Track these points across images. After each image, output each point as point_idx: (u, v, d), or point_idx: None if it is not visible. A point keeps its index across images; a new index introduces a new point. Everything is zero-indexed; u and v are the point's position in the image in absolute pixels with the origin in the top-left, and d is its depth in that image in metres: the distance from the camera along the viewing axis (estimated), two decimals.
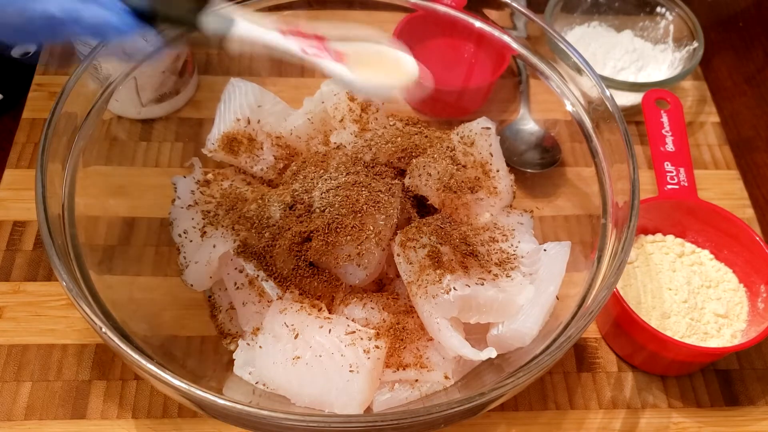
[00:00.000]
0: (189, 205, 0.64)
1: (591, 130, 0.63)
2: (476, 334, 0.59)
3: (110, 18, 0.40)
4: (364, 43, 0.49)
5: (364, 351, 0.54)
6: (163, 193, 0.66)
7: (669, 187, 0.69)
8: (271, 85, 0.73)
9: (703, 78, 0.89)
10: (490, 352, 0.56)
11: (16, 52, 0.84)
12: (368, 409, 0.55)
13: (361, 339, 0.55)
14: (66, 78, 0.58)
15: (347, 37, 0.49)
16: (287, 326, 0.56)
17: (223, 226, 0.61)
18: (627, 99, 0.80)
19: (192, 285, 0.62)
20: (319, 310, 0.57)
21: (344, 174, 0.62)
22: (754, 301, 0.65)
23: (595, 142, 0.63)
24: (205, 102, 0.79)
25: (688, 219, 0.69)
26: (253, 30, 0.45)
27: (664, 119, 0.73)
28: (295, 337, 0.55)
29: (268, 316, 0.57)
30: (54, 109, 0.55)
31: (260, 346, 0.56)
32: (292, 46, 0.46)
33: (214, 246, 0.60)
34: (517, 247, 0.62)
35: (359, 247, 0.59)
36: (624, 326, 0.63)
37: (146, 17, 0.42)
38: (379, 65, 0.49)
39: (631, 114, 0.83)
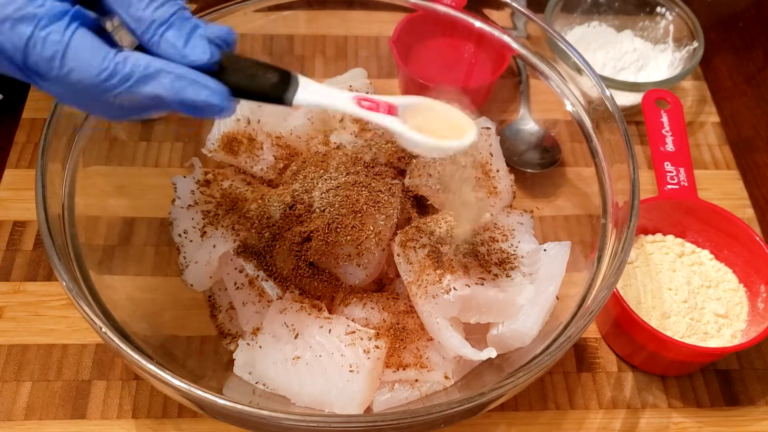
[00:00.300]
0: (189, 205, 0.64)
1: (591, 130, 0.63)
2: (476, 334, 0.59)
3: (214, 100, 0.41)
4: (420, 99, 0.48)
5: (364, 351, 0.54)
6: (163, 193, 0.66)
7: (669, 187, 0.69)
8: None
9: (703, 78, 0.89)
10: (490, 352, 0.56)
11: None
12: (368, 409, 0.55)
13: (361, 339, 0.55)
14: None
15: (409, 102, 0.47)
16: (287, 326, 0.56)
17: (223, 226, 0.61)
18: (627, 99, 0.80)
19: (192, 285, 0.62)
20: (319, 310, 0.57)
21: (344, 174, 0.62)
22: (754, 301, 0.65)
23: (595, 142, 0.63)
24: None
25: (688, 219, 0.69)
26: (317, 91, 0.45)
27: (664, 119, 0.73)
28: (295, 337, 0.55)
29: (268, 316, 0.57)
30: (54, 109, 0.55)
31: (260, 346, 0.56)
32: (345, 102, 0.45)
33: (214, 246, 0.60)
34: (517, 247, 0.62)
35: (359, 247, 0.59)
36: (624, 326, 0.63)
37: (239, 94, 0.43)
38: (436, 124, 0.47)
39: (631, 114, 0.83)
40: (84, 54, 0.39)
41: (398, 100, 0.47)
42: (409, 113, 0.47)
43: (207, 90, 0.41)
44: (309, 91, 0.44)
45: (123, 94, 0.40)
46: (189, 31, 0.41)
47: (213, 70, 0.42)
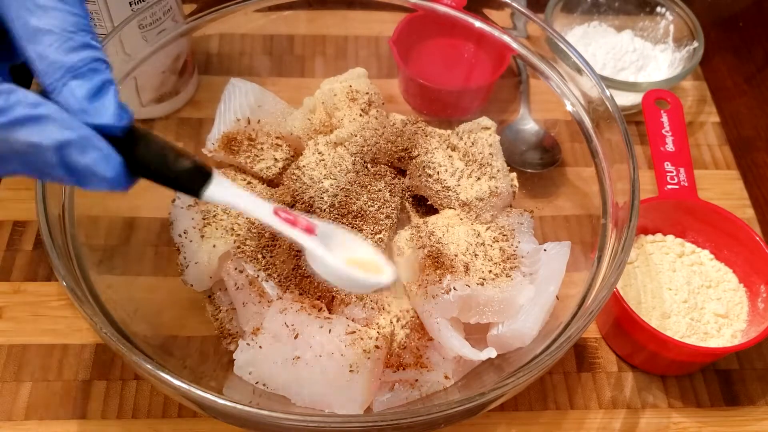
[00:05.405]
0: (189, 205, 0.64)
1: (591, 130, 0.63)
2: (476, 334, 0.59)
3: (102, 166, 0.35)
4: (338, 229, 0.45)
5: (364, 351, 0.54)
6: (163, 193, 0.66)
7: (669, 187, 0.69)
8: (271, 85, 0.73)
9: (703, 78, 0.89)
10: (490, 352, 0.56)
11: None
12: (368, 409, 0.55)
13: (361, 339, 0.55)
14: None
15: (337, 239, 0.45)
16: (287, 326, 0.56)
17: (223, 226, 0.61)
18: (627, 99, 0.80)
19: (192, 285, 0.62)
20: (319, 310, 0.57)
21: (344, 174, 0.62)
22: (754, 301, 0.65)
23: (595, 142, 0.63)
24: (205, 102, 0.79)
25: (688, 219, 0.69)
26: (233, 192, 0.41)
27: (664, 119, 0.73)
28: (295, 337, 0.55)
29: (268, 316, 0.57)
30: None
31: (260, 346, 0.56)
32: (264, 210, 0.42)
33: (214, 246, 0.60)
34: (517, 247, 0.62)
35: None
36: (624, 326, 0.63)
37: (139, 172, 0.38)
38: (352, 257, 0.45)
39: (631, 114, 0.83)
40: None
41: (318, 222, 0.44)
42: (328, 241, 0.44)
43: (97, 152, 0.35)
44: (223, 188, 0.40)
45: None
46: (99, 86, 0.36)
47: (117, 137, 0.36)
